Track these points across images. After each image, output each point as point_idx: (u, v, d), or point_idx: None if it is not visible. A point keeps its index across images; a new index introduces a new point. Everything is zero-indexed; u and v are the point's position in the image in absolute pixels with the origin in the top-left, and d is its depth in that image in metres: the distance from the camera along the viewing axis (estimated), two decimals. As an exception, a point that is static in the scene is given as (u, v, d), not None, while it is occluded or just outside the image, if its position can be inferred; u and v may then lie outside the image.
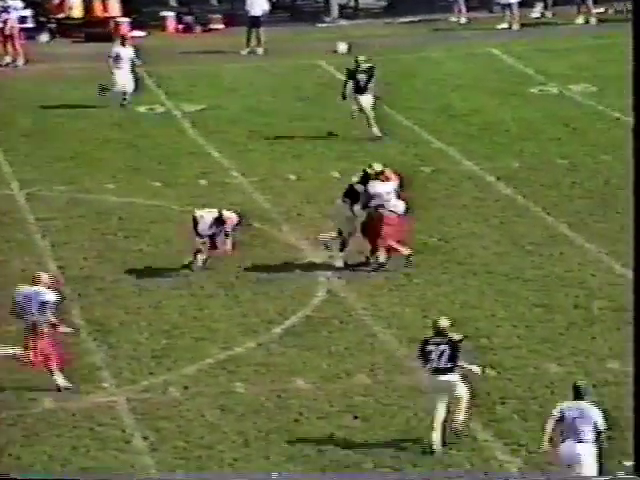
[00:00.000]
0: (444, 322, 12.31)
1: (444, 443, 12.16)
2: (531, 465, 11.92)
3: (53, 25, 31.18)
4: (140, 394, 13.42)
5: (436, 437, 12.12)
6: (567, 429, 11.16)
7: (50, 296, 13.33)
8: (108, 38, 30.67)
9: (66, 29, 31.08)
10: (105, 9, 31.44)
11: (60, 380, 13.37)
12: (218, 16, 31.99)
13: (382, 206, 16.10)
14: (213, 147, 21.91)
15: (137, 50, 24.42)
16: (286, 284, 16.05)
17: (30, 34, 30.11)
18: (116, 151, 21.87)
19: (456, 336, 12.24)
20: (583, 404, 11.24)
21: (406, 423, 12.68)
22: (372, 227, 16.18)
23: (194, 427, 12.74)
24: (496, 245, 17.14)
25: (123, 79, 23.84)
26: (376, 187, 16.20)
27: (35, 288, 13.39)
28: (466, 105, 23.81)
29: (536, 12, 31.53)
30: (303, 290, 15.84)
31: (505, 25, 30.45)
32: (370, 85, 21.40)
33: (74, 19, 31.32)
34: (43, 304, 13.25)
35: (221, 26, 31.71)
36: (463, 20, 31.15)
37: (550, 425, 11.20)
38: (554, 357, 13.89)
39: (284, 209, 18.77)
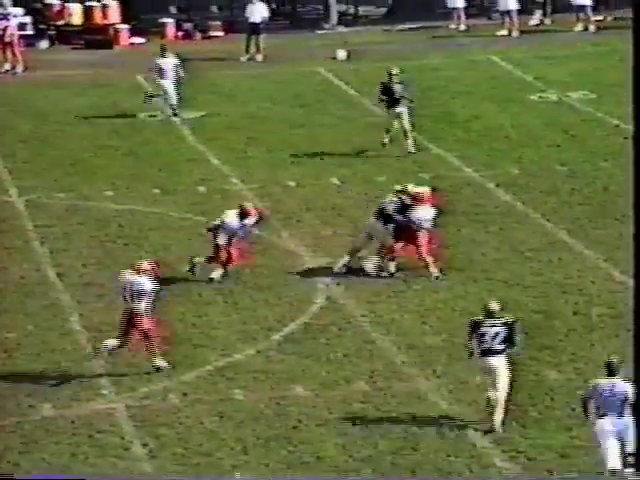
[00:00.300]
0: (494, 305, 12.67)
1: (503, 423, 12.40)
2: (530, 472, 11.91)
3: (53, 32, 31.22)
4: (139, 401, 13.41)
5: (497, 418, 12.36)
6: (604, 405, 11.42)
7: (147, 285, 13.62)
8: (108, 45, 30.75)
9: (66, 36, 31.12)
10: (105, 16, 31.48)
11: (160, 362, 13.60)
12: (217, 23, 32.03)
13: (421, 225, 16.14)
14: (212, 154, 21.92)
15: (181, 59, 23.81)
16: (285, 291, 16.04)
17: (30, 41, 30.15)
18: (115, 158, 21.87)
19: (510, 319, 12.58)
20: (617, 380, 11.49)
21: (405, 430, 12.67)
22: (407, 239, 16.17)
23: (193, 434, 12.73)
24: (495, 251, 17.14)
25: (169, 90, 23.31)
26: (419, 213, 16.12)
27: (134, 277, 13.68)
28: (465, 112, 23.82)
29: (535, 19, 31.57)
30: (302, 297, 15.83)
31: (504, 32, 30.49)
32: (403, 97, 20.81)
33: (74, 26, 31.36)
34: (140, 293, 13.56)
35: (221, 33, 31.76)
36: (462, 27, 31.18)
37: (591, 406, 11.47)
38: (553, 364, 13.88)
39: (283, 216, 18.76)
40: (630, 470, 11.28)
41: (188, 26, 31.86)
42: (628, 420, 11.30)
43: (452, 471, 11.96)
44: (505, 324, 12.52)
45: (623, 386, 11.42)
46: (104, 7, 31.47)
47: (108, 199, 19.75)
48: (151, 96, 23.65)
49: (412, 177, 20.17)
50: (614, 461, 11.34)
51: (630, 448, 11.21)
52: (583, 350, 14.18)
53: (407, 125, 20.93)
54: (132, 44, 31.07)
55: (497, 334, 12.43)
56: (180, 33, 31.72)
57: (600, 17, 31.21)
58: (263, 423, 12.88)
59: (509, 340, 12.48)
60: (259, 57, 28.73)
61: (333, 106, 24.60)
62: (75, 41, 30.91)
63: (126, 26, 31.18)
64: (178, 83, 23.56)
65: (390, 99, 20.99)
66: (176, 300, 15.87)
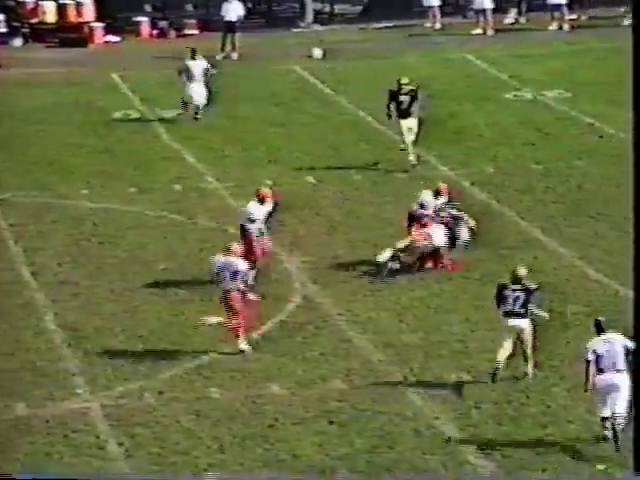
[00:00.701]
0: (522, 271, 13.39)
1: (493, 379, 13.24)
2: (505, 469, 11.96)
3: (26, 30, 31.07)
4: (115, 400, 13.37)
5: (529, 366, 13.33)
6: (602, 362, 11.95)
7: (241, 266, 14.13)
8: (82, 43, 30.63)
9: (40, 34, 30.98)
10: (79, 14, 31.35)
11: (243, 345, 14.14)
12: (193, 21, 31.97)
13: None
14: (188, 152, 21.88)
15: (211, 62, 23.48)
16: (261, 289, 16.02)
17: (3, 39, 30.02)
18: (90, 156, 21.80)
19: (533, 285, 13.29)
20: (609, 335, 12.05)
21: (381, 428, 12.69)
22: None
23: (169, 433, 12.71)
24: (471, 249, 17.18)
25: (197, 93, 22.88)
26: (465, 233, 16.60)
27: (228, 258, 14.12)
28: (441, 110, 23.86)
29: (510, 18, 31.68)
30: (278, 295, 15.82)
31: (479, 31, 30.59)
32: (413, 108, 19.82)
33: (48, 24, 31.22)
34: (235, 273, 14.06)
35: (196, 31, 31.70)
36: (438, 26, 31.25)
37: (592, 370, 11.96)
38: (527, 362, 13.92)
39: (259, 214, 18.72)
40: (619, 427, 11.83)
41: (163, 24, 31.78)
42: (625, 375, 11.81)
43: (428, 468, 11.99)
44: (525, 290, 13.20)
45: (618, 340, 11.93)
46: (78, 5, 31.33)
47: (83, 197, 19.68)
48: (185, 103, 23.07)
49: (388, 176, 20.24)
50: (606, 411, 11.86)
51: (619, 409, 11.76)
52: (558, 348, 14.23)
53: (412, 138, 19.99)
54: (107, 42, 30.97)
55: (517, 298, 13.18)
56: (155, 31, 31.65)
57: (574, 16, 31.35)
58: (239, 422, 12.87)
59: (528, 304, 13.20)
60: (235, 55, 28.70)
61: (309, 104, 24.62)
62: (49, 39, 30.78)
63: (101, 24, 31.07)
64: (208, 86, 23.08)
65: (397, 109, 19.84)
66: (153, 299, 15.83)
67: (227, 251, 14.39)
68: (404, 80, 20.18)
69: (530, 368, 13.44)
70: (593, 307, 15.09)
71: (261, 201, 16.04)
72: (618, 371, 11.89)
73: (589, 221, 18.09)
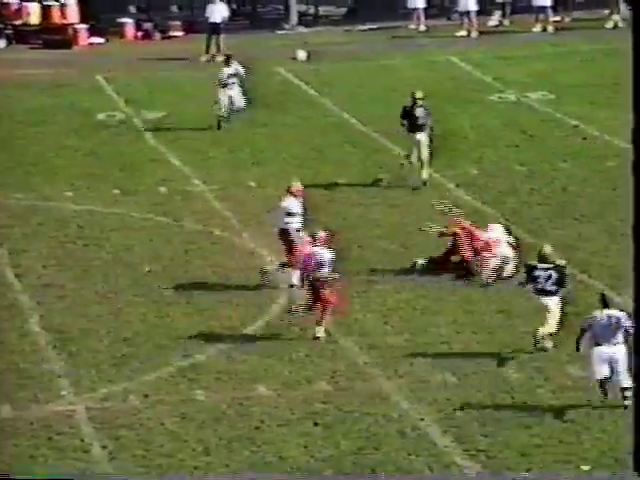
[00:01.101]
0: (548, 249, 13.90)
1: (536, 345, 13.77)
2: (490, 470, 11.99)
3: (10, 31, 31.00)
4: (99, 402, 13.34)
5: (543, 329, 13.78)
6: (600, 335, 12.46)
7: (327, 255, 14.42)
8: (66, 45, 30.57)
9: (24, 35, 30.92)
10: (63, 16, 31.29)
11: (320, 333, 14.40)
12: (177, 23, 31.97)
13: None
14: (173, 154, 21.87)
15: (243, 65, 23.14)
16: (246, 291, 16.03)
17: (-13, 41, 29.96)
18: (75, 158, 21.77)
19: (562, 262, 13.87)
20: (612, 311, 12.55)
21: (367, 430, 12.70)
22: None
23: (154, 435, 12.69)
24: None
25: (236, 99, 22.65)
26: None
27: (314, 248, 14.50)
28: (425, 112, 23.91)
29: (494, 20, 31.78)
30: (263, 297, 15.82)
31: (463, 33, 30.67)
32: (428, 122, 19.51)
33: (32, 25, 31.16)
34: (320, 264, 14.35)
35: (180, 33, 31.70)
36: (422, 28, 31.32)
37: (585, 337, 12.54)
38: (514, 363, 13.97)
39: (245, 217, 18.75)
40: (627, 403, 12.34)
41: (148, 26, 31.76)
42: (622, 347, 12.36)
43: (413, 470, 12.01)
44: (556, 267, 13.70)
45: (618, 315, 12.45)
46: (62, 6, 31.28)
47: (68, 199, 19.65)
48: (220, 107, 22.79)
49: (373, 177, 20.25)
50: (601, 374, 12.41)
51: (626, 382, 12.33)
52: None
53: (425, 154, 19.67)
54: (91, 44, 30.93)
55: (550, 277, 13.67)
56: (140, 33, 31.62)
57: (558, 18, 31.47)
58: (225, 424, 12.86)
59: (560, 282, 13.69)
60: (219, 57, 28.70)
61: (293, 106, 24.64)
62: (33, 41, 30.71)
63: (85, 26, 31.02)
64: (243, 89, 22.82)
65: (411, 123, 19.48)
66: (138, 300, 15.82)
67: (313, 240, 14.56)
68: (419, 94, 19.84)
69: (541, 333, 13.78)
70: (578, 308, 15.13)
71: (294, 196, 15.93)
72: (616, 344, 12.38)
73: (574, 223, 18.16)
